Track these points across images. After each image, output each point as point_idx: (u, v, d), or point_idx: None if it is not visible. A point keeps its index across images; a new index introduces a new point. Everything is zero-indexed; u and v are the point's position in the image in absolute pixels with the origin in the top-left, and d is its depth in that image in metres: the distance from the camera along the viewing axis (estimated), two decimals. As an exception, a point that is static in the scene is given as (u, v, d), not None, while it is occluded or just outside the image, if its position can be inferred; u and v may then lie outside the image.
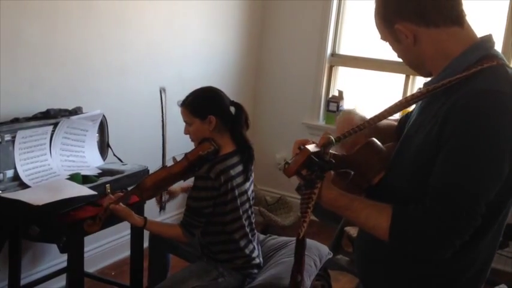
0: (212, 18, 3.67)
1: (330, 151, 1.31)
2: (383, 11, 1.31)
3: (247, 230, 2.24)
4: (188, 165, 2.12)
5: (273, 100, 4.23)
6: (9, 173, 2.26)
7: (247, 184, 2.24)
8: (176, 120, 2.39)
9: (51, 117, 2.42)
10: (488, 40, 1.30)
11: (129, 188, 2.33)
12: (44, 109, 2.45)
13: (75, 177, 2.40)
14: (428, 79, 1.35)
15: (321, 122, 4.10)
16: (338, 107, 3.94)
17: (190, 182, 2.22)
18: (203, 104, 2.18)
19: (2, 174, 2.24)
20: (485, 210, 1.18)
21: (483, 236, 1.27)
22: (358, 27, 3.92)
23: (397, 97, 3.50)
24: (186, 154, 2.14)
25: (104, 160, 2.70)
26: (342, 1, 3.95)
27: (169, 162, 2.18)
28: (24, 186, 2.26)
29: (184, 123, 2.22)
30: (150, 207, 2.46)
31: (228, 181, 2.10)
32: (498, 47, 3.28)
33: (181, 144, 2.34)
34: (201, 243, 2.26)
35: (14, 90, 2.44)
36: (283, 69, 4.16)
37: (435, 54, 1.29)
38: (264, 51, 4.22)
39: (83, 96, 2.77)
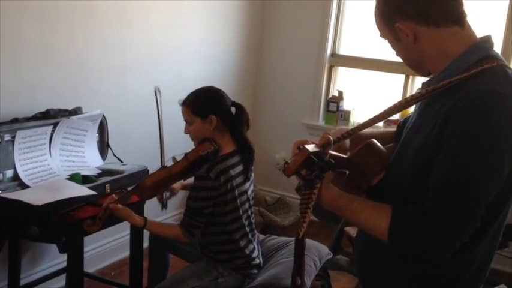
0: (212, 18, 3.67)
1: (330, 151, 1.30)
2: (384, 9, 1.31)
3: (247, 230, 2.24)
4: (188, 165, 2.12)
5: (273, 100, 4.23)
6: (9, 173, 2.26)
7: (247, 184, 2.24)
8: (176, 120, 2.40)
9: (50, 117, 2.42)
10: (487, 41, 1.30)
11: (129, 188, 2.33)
12: (43, 109, 2.45)
13: (74, 177, 2.40)
14: (427, 79, 1.35)
15: (321, 122, 4.10)
16: (338, 107, 3.94)
17: (190, 180, 2.22)
18: (204, 104, 2.18)
19: (1, 174, 2.24)
20: (485, 210, 1.18)
21: (483, 237, 1.27)
22: (358, 27, 3.92)
23: (397, 97, 3.52)
24: (186, 154, 2.14)
25: (104, 160, 2.70)
26: (342, 1, 3.95)
27: (168, 162, 2.18)
28: (23, 186, 2.26)
29: (184, 123, 2.22)
30: (150, 207, 2.46)
31: (228, 181, 2.10)
32: (498, 47, 3.33)
33: (180, 144, 2.34)
34: (201, 244, 2.26)
35: (14, 90, 2.44)
36: (282, 69, 4.16)
37: (435, 53, 1.29)
38: (263, 51, 4.22)
39: (83, 96, 2.77)
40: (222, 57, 3.85)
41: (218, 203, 2.11)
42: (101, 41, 2.86)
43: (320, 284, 2.63)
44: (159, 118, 2.37)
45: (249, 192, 2.26)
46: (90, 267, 2.93)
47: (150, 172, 2.25)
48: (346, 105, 3.98)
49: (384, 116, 1.32)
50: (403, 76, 3.78)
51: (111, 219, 2.16)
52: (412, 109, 1.47)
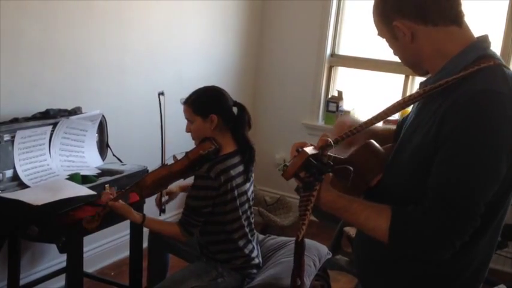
0: (212, 18, 3.67)
1: (329, 153, 1.30)
2: (382, 8, 1.31)
3: (247, 230, 2.24)
4: (189, 164, 2.12)
5: (273, 100, 4.23)
6: (9, 173, 2.26)
7: (248, 185, 2.24)
8: (176, 120, 2.40)
9: (50, 117, 2.42)
10: (484, 40, 1.30)
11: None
12: (43, 109, 2.45)
13: (74, 177, 2.40)
14: (424, 78, 1.35)
15: (321, 122, 4.10)
16: (337, 107, 3.94)
17: (189, 180, 2.22)
18: (205, 103, 2.18)
19: (1, 174, 2.24)
20: (484, 210, 1.18)
21: (481, 236, 1.27)
22: (357, 27, 3.92)
23: (397, 97, 3.50)
24: (186, 153, 2.14)
25: (103, 160, 2.70)
26: (342, 1, 3.95)
27: (169, 161, 2.18)
28: (23, 186, 2.26)
29: (185, 122, 2.22)
30: (150, 206, 2.46)
31: (228, 181, 2.10)
32: (498, 46, 3.33)
33: (181, 144, 2.34)
34: (200, 243, 2.26)
35: (13, 90, 2.44)
36: (282, 69, 4.16)
37: (432, 52, 1.29)
38: (263, 51, 4.22)
39: (83, 96, 2.77)
40: (222, 57, 3.85)
41: (218, 202, 2.11)
42: (101, 41, 2.86)
43: (319, 284, 2.62)
44: (161, 122, 2.37)
45: (249, 193, 2.26)
46: (89, 267, 2.93)
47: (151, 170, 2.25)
48: (345, 105, 3.98)
49: (382, 116, 1.32)
50: (402, 76, 3.78)
51: (110, 219, 2.16)
52: (410, 108, 1.48)
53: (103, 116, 2.67)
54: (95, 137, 2.67)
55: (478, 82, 1.20)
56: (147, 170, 2.57)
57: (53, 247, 2.25)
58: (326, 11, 3.91)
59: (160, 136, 2.40)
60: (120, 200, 2.09)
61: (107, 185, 2.33)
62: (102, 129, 2.70)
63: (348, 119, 1.72)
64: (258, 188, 3.88)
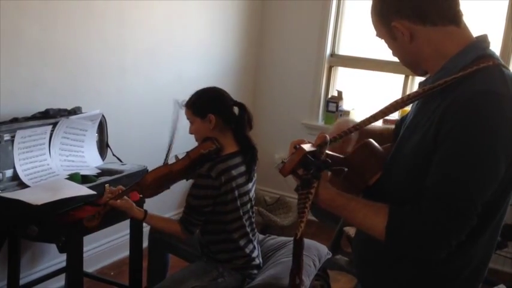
0: (212, 18, 3.67)
1: (327, 151, 1.30)
2: (380, 8, 1.31)
3: (248, 230, 2.24)
4: (190, 163, 2.13)
5: (272, 100, 4.24)
6: (9, 173, 2.26)
7: (250, 185, 2.24)
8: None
9: (50, 117, 2.42)
10: (483, 40, 1.30)
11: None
12: (43, 109, 2.45)
13: (74, 177, 2.40)
14: (423, 78, 1.35)
15: (320, 122, 4.10)
16: (337, 107, 3.95)
17: None
18: (203, 103, 2.19)
19: (1, 174, 2.24)
20: (482, 209, 1.18)
21: (480, 236, 1.28)
22: (357, 27, 3.92)
23: (397, 97, 3.51)
24: (188, 152, 2.15)
25: (103, 160, 2.70)
26: (342, 1, 3.95)
27: (171, 161, 2.19)
28: (23, 185, 2.26)
29: (188, 124, 2.23)
30: (150, 206, 2.46)
31: (229, 181, 2.10)
32: (497, 46, 3.32)
33: (181, 143, 2.34)
34: (201, 243, 2.26)
35: (13, 89, 2.44)
36: (282, 69, 4.16)
37: (431, 52, 1.29)
38: (263, 51, 4.22)
39: (83, 96, 2.77)
40: (222, 57, 3.85)
41: (218, 202, 2.11)
42: (101, 41, 2.86)
43: (319, 284, 2.63)
44: (173, 130, 2.38)
45: (251, 193, 2.26)
46: (89, 267, 2.93)
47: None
48: (345, 105, 3.98)
49: (380, 115, 1.32)
50: (402, 76, 3.78)
51: (111, 219, 2.16)
52: (409, 108, 1.48)
53: (103, 115, 2.67)
54: (94, 136, 2.67)
55: (477, 82, 1.20)
56: (147, 170, 2.57)
57: (53, 247, 2.25)
58: (326, 11, 3.91)
59: (167, 141, 2.40)
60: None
61: (106, 185, 2.33)
62: (102, 129, 2.70)
63: (350, 120, 1.72)
64: (257, 188, 3.85)
